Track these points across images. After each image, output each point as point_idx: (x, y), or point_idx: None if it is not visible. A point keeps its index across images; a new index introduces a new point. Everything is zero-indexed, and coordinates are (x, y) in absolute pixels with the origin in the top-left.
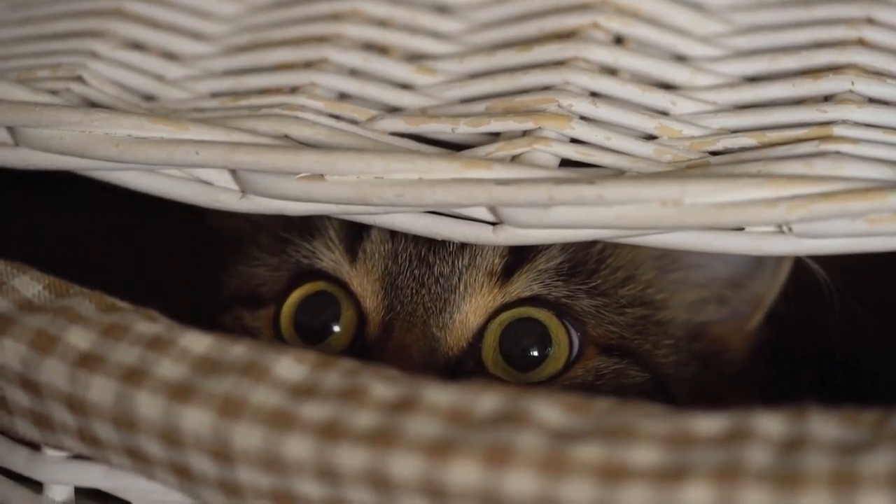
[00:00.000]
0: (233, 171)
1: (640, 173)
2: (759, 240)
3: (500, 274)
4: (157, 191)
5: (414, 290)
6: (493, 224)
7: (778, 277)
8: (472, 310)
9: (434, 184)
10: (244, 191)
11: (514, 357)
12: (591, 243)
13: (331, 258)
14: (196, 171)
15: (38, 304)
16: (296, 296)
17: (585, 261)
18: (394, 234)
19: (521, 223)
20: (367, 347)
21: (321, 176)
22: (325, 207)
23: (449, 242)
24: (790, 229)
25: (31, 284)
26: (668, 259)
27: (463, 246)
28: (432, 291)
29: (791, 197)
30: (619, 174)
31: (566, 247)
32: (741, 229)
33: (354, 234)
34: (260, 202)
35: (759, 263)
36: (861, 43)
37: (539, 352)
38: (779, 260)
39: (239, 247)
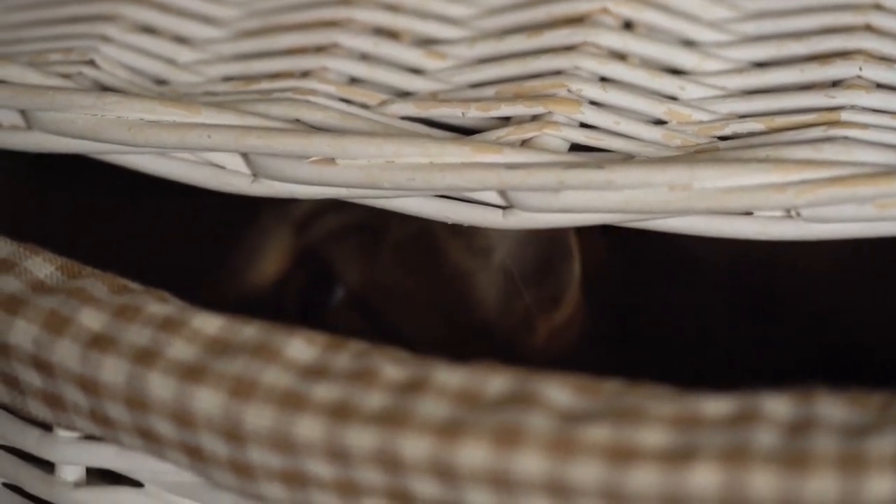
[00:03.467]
0: (244, 155)
1: (650, 158)
2: (768, 224)
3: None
4: (169, 174)
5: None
6: (503, 208)
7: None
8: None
9: (444, 168)
10: (255, 174)
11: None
12: None
13: None
14: (208, 154)
15: (50, 286)
16: None
17: None
18: None
19: (531, 207)
20: None
21: (332, 160)
22: (336, 191)
23: None
24: (798, 214)
25: (43, 266)
26: None
27: None
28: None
29: (800, 181)
30: (628, 159)
31: None
32: (749, 214)
33: None
34: (271, 186)
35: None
36: (868, 29)
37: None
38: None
39: None
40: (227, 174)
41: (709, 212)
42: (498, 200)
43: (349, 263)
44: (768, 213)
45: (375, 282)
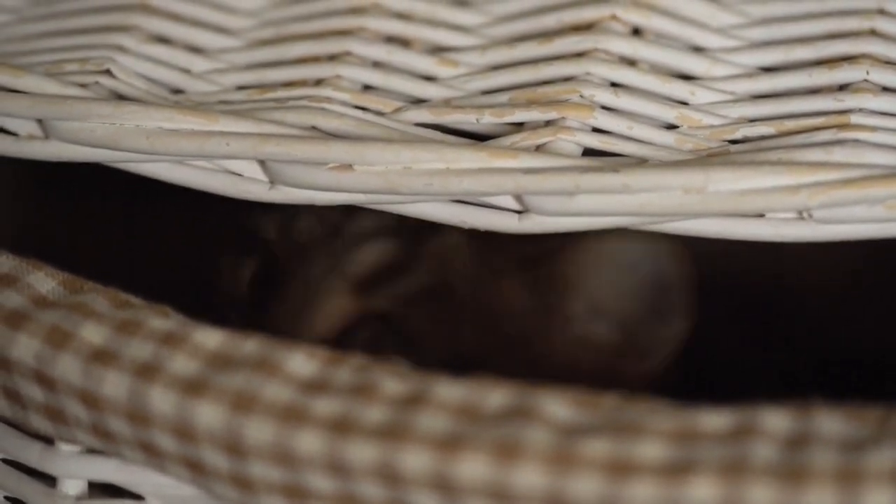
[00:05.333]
0: (262, 162)
1: (664, 161)
2: (780, 226)
3: (360, 284)
4: (187, 182)
5: (300, 286)
6: (518, 212)
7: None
8: (331, 310)
9: (461, 173)
10: (273, 182)
11: None
12: None
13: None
14: (225, 162)
15: (52, 301)
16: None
17: None
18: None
19: (547, 211)
20: None
21: (350, 166)
22: (354, 197)
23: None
24: (811, 215)
25: (45, 281)
26: None
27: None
28: (304, 290)
29: (813, 184)
30: (642, 162)
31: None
32: (762, 216)
33: (289, 225)
34: (289, 192)
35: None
36: (874, 33)
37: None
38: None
39: None
40: (245, 181)
41: (723, 214)
42: (513, 205)
43: (424, 330)
44: (781, 216)
45: (455, 349)
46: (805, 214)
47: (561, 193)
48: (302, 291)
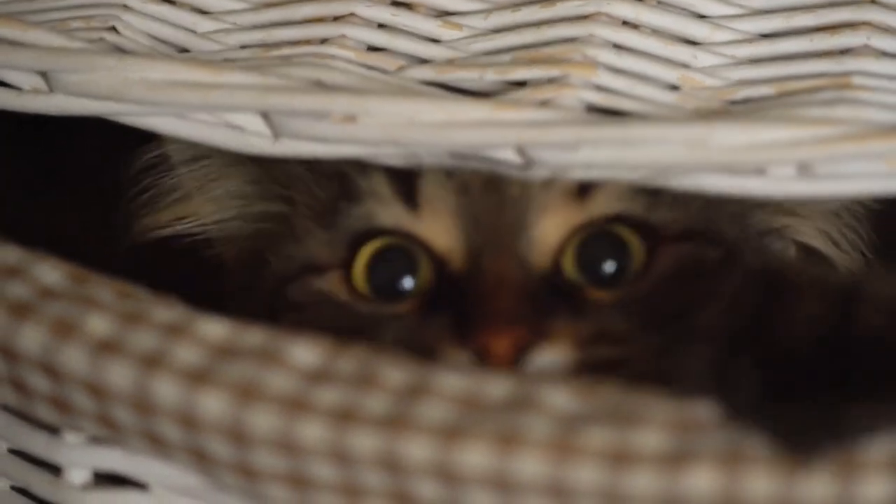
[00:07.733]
0: (265, 115)
1: (667, 116)
2: (782, 182)
3: (577, 191)
4: (190, 136)
5: (494, 216)
6: (521, 167)
7: None
8: (552, 225)
9: (465, 125)
10: (277, 134)
11: (591, 270)
12: None
13: (388, 214)
14: (228, 115)
15: (57, 292)
16: (363, 259)
17: None
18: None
19: (550, 164)
20: (453, 286)
21: (353, 118)
22: (357, 150)
23: None
24: (812, 171)
25: (51, 272)
26: None
27: None
28: (511, 213)
29: (815, 138)
30: (645, 117)
31: None
32: (763, 172)
33: (408, 183)
34: (292, 145)
35: None
36: (874, 2)
37: (617, 262)
38: None
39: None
40: (248, 135)
41: (724, 169)
42: (515, 159)
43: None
44: (782, 171)
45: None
46: (806, 170)
47: (563, 146)
48: (518, 206)
